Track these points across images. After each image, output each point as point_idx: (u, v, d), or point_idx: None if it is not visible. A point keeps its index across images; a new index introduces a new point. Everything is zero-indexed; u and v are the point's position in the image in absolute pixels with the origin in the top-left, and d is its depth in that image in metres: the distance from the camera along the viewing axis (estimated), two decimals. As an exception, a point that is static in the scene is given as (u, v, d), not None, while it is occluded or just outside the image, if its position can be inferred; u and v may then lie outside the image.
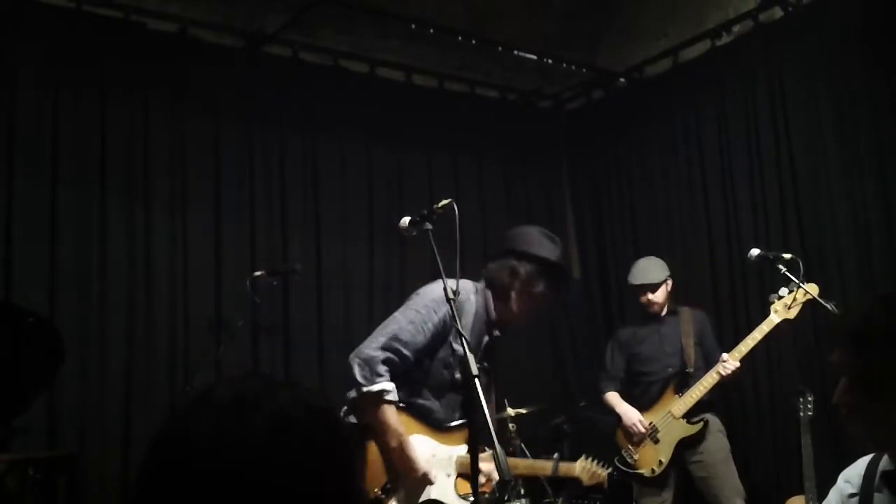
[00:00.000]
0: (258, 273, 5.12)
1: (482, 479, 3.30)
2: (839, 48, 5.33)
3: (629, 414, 5.10)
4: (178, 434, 1.13)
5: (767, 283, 5.61)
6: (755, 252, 4.46)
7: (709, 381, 4.84)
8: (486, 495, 4.32)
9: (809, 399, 4.53)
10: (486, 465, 3.29)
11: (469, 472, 3.25)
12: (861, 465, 1.95)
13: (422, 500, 3.28)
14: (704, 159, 6.18)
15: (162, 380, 5.07)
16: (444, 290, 2.90)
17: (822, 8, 5.45)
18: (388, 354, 3.23)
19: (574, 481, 4.24)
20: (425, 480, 3.24)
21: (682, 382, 5.00)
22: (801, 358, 5.20)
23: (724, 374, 4.76)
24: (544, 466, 3.93)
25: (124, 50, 5.19)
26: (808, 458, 4.41)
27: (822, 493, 4.13)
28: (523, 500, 4.90)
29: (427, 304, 3.33)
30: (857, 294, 5.10)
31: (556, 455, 4.00)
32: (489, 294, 3.47)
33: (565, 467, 4.00)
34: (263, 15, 5.72)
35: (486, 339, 3.48)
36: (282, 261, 5.52)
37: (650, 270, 5.27)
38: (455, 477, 3.39)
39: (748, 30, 5.91)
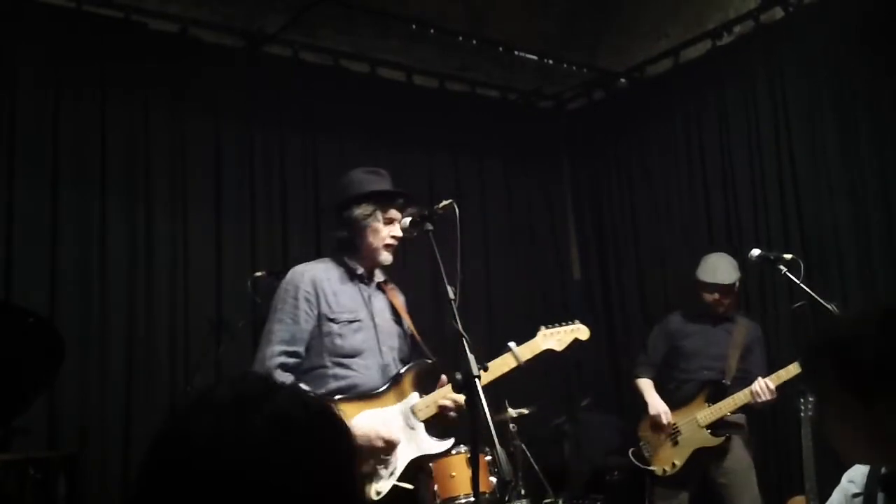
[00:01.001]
0: (259, 273, 5.10)
1: (450, 405, 3.30)
2: (840, 48, 5.33)
3: (656, 405, 4.94)
4: (178, 434, 1.13)
5: (768, 284, 5.62)
6: (756, 252, 4.44)
7: (740, 398, 4.66)
8: (486, 495, 4.35)
9: (810, 399, 4.51)
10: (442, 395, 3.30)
11: (439, 411, 3.30)
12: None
13: (404, 465, 3.26)
14: (705, 159, 6.18)
15: (162, 380, 5.07)
16: (445, 290, 2.90)
17: (823, 8, 5.45)
18: (279, 360, 3.25)
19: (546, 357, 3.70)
20: (391, 447, 3.22)
21: (716, 392, 4.80)
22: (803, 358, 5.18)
23: (753, 393, 4.57)
24: (505, 363, 3.45)
25: (125, 50, 5.19)
26: (809, 459, 4.39)
27: (823, 493, 4.13)
28: (524, 501, 4.90)
29: (283, 297, 3.36)
30: (858, 293, 5.10)
31: (510, 343, 3.51)
32: (343, 257, 3.47)
33: (527, 348, 3.57)
34: (264, 15, 5.72)
35: (368, 293, 3.47)
36: (282, 260, 5.52)
37: (725, 269, 4.98)
38: (422, 425, 3.36)
39: (749, 30, 5.91)
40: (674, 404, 4.95)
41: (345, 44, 6.14)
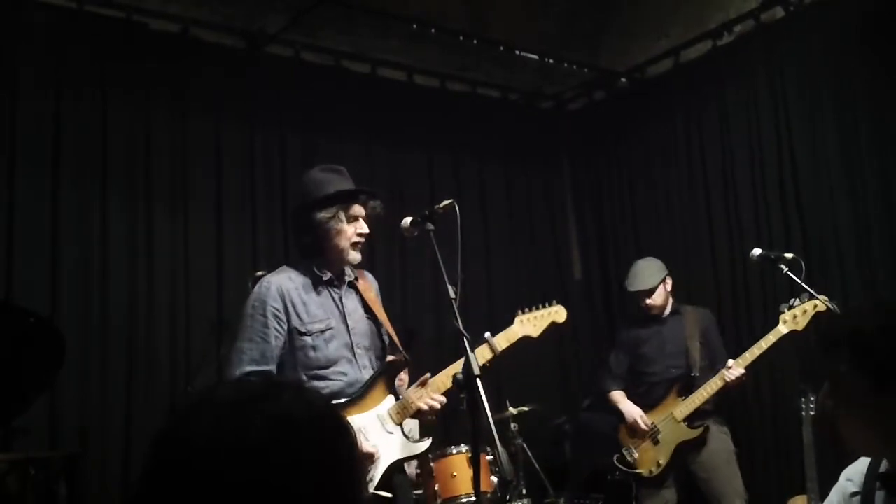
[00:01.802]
0: (259, 273, 5.07)
1: (426, 407, 3.29)
2: (840, 48, 5.33)
3: (631, 411, 5.09)
4: (178, 434, 1.12)
5: (769, 283, 5.62)
6: (757, 252, 4.45)
7: (712, 386, 4.80)
8: (488, 494, 4.35)
9: (811, 398, 4.51)
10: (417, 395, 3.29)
11: (415, 411, 3.31)
12: (863, 463, 1.95)
13: (381, 472, 3.24)
14: (706, 159, 6.18)
15: (163, 380, 5.06)
16: (446, 289, 2.89)
17: (824, 8, 5.44)
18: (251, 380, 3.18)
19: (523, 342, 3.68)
20: (368, 456, 3.19)
21: (687, 385, 4.96)
22: (803, 357, 5.18)
23: (728, 380, 4.72)
24: (481, 354, 3.35)
25: (125, 50, 5.18)
26: (811, 458, 4.39)
27: (825, 492, 4.12)
28: (525, 500, 4.90)
29: (251, 313, 3.30)
30: (859, 293, 5.10)
31: (486, 334, 3.44)
32: (311, 264, 3.40)
33: (503, 338, 3.52)
34: (265, 15, 5.71)
35: (339, 295, 3.42)
36: (283, 260, 5.50)
37: (645, 275, 5.24)
38: (399, 428, 3.35)
39: (749, 30, 5.91)
40: (648, 406, 5.07)
41: (345, 44, 6.14)
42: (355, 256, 3.41)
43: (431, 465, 4.45)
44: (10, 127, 4.78)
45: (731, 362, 4.73)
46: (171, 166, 5.31)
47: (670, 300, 5.29)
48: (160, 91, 5.32)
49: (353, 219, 3.37)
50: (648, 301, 5.20)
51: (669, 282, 5.27)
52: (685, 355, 5.07)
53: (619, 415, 5.18)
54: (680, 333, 5.15)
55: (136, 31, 5.25)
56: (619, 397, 5.23)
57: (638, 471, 5.02)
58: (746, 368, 4.70)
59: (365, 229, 3.39)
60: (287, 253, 5.65)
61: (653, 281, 5.20)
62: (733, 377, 4.70)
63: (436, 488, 4.40)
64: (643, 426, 4.99)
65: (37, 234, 4.78)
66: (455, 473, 4.37)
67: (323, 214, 3.32)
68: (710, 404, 4.95)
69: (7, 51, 4.83)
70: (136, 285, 5.07)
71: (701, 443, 4.93)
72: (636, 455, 5.03)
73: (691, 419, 4.91)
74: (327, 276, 3.40)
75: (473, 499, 4.14)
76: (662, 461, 4.94)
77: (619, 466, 5.07)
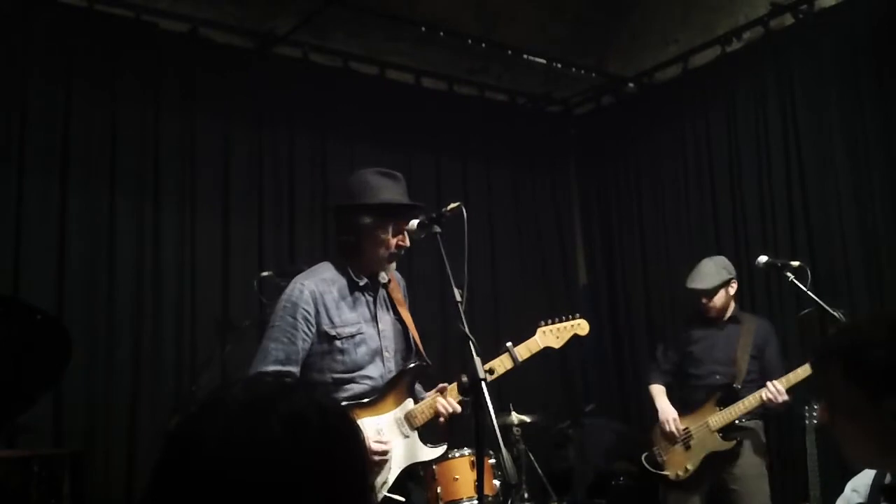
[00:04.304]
0: (266, 273, 5.10)
1: (443, 410, 3.27)
2: (850, 55, 5.33)
3: (665, 411, 4.93)
4: (189, 435, 1.13)
5: (774, 291, 5.61)
6: (763, 259, 4.43)
7: (751, 401, 4.62)
8: (490, 498, 4.34)
9: (815, 407, 4.50)
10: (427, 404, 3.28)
11: (433, 416, 3.29)
12: (869, 474, 1.95)
13: (395, 475, 3.23)
14: (713, 165, 6.17)
15: (168, 379, 5.07)
16: (452, 292, 2.89)
17: (833, 15, 5.44)
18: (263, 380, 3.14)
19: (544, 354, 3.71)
20: (384, 458, 3.17)
21: (727, 396, 4.76)
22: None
23: (765, 399, 4.55)
24: (502, 364, 3.38)
25: (135, 49, 5.20)
26: (814, 467, 4.38)
27: (828, 501, 4.10)
28: (527, 505, 4.90)
29: (281, 313, 3.26)
30: (865, 299, 5.09)
31: (507, 344, 3.46)
32: (347, 266, 3.36)
33: (524, 348, 3.54)
34: (274, 16, 5.73)
35: (372, 298, 3.39)
36: (289, 261, 5.52)
37: (707, 274, 4.95)
38: (416, 432, 3.33)
39: (758, 36, 5.91)
40: (686, 409, 4.93)
41: (354, 46, 6.15)
42: (391, 266, 3.40)
43: (433, 467, 4.44)
44: (21, 125, 4.80)
45: (771, 382, 4.55)
46: (179, 165, 5.32)
47: (732, 305, 5.02)
48: (169, 91, 5.33)
49: (398, 231, 3.33)
50: (705, 301, 4.92)
51: (734, 286, 4.99)
52: (732, 364, 4.86)
53: (654, 411, 5.03)
54: (732, 342, 4.92)
55: (146, 30, 5.27)
56: (658, 392, 5.06)
57: (665, 472, 4.91)
58: (789, 391, 4.50)
59: (407, 243, 3.34)
60: (293, 253, 5.67)
61: (712, 281, 4.91)
62: (772, 397, 4.52)
63: (438, 491, 4.40)
64: (673, 428, 4.86)
65: (44, 231, 4.80)
66: (457, 476, 4.36)
67: (370, 221, 3.28)
68: (757, 425, 4.82)
69: (19, 49, 4.85)
70: (143, 284, 5.08)
71: (734, 456, 4.77)
72: (665, 457, 4.91)
73: (726, 431, 4.74)
74: (363, 281, 3.37)
75: (475, 502, 4.14)
76: (691, 467, 4.81)
77: (647, 466, 4.95)
